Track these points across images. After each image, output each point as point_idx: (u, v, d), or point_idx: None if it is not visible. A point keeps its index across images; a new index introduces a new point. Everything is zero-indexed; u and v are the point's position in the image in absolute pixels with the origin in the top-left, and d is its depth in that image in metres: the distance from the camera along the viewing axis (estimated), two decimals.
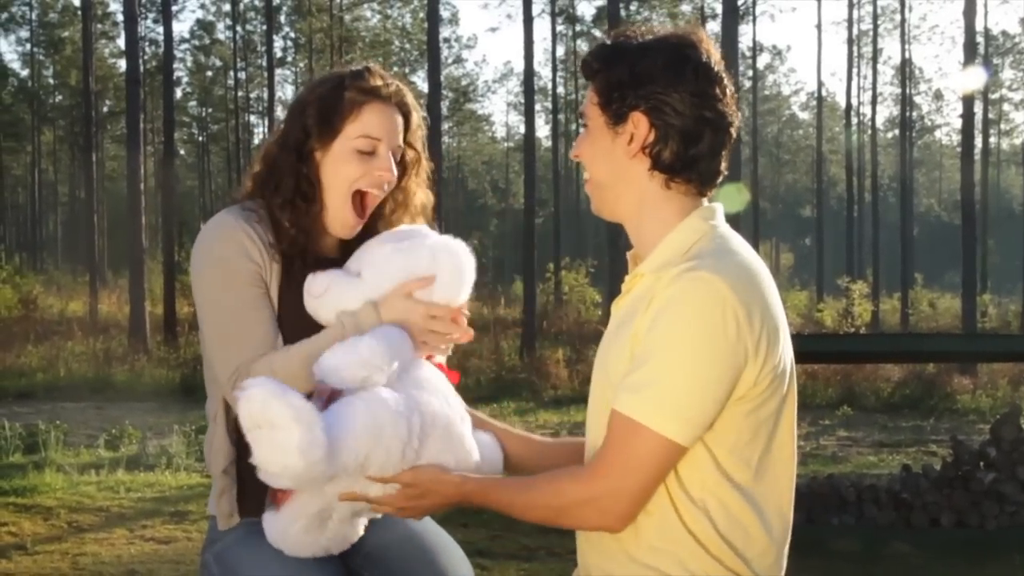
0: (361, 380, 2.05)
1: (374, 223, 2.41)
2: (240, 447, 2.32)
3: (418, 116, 2.41)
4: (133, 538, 7.77)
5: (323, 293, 2.27)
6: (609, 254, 23.79)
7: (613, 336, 1.99)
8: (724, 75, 1.95)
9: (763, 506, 1.92)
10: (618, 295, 2.06)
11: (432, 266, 2.23)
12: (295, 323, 2.29)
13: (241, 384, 1.93)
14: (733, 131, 1.97)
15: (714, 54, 1.95)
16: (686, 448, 1.81)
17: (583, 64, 2.01)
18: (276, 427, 1.87)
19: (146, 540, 7.73)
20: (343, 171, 2.28)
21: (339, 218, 2.33)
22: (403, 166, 2.41)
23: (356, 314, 2.22)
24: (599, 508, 1.84)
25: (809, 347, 10.19)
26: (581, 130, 2.05)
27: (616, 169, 1.98)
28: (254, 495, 2.32)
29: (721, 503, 1.88)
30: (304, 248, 2.31)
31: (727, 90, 1.95)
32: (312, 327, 2.26)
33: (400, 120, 2.35)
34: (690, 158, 1.93)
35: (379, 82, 2.32)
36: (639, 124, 1.93)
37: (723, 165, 1.98)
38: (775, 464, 1.94)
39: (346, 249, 2.37)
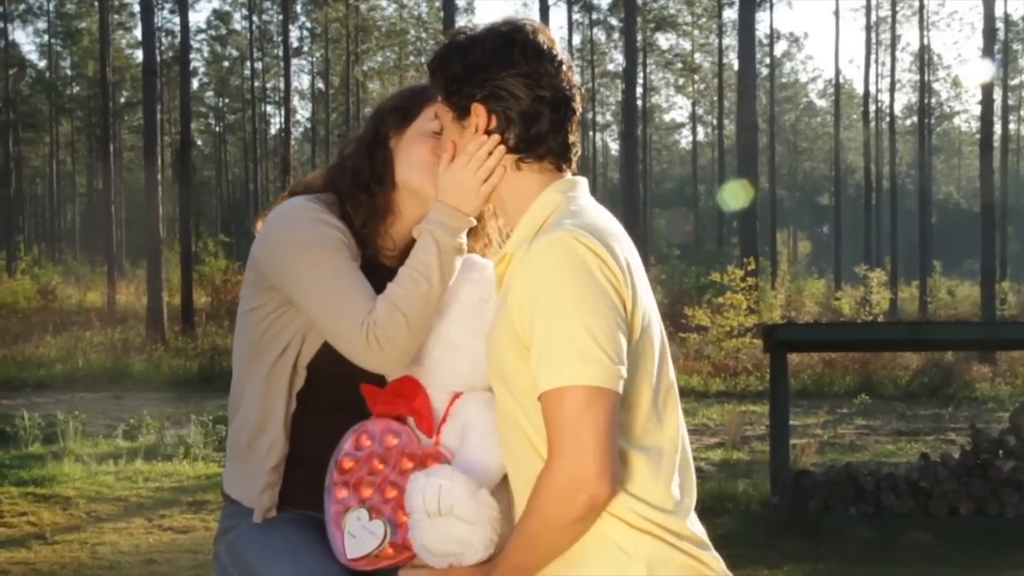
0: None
1: None
2: (292, 444, 2.33)
3: None
4: (151, 528, 7.81)
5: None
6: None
7: (497, 314, 2.02)
8: (555, 51, 2.05)
9: (659, 454, 1.93)
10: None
11: None
12: None
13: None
14: (576, 104, 2.06)
15: (542, 33, 2.05)
16: (614, 391, 1.81)
17: (428, 68, 2.15)
18: (467, 522, 1.98)
19: (164, 530, 7.77)
20: (416, 151, 2.34)
21: (424, 191, 2.32)
22: None
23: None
24: (575, 484, 1.78)
25: (827, 335, 10.17)
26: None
27: None
28: (294, 491, 2.34)
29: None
30: (373, 248, 2.36)
31: (561, 65, 2.04)
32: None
33: None
34: (533, 138, 2.02)
35: None
36: (480, 113, 2.04)
37: (572, 139, 2.06)
38: (665, 411, 1.96)
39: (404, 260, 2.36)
